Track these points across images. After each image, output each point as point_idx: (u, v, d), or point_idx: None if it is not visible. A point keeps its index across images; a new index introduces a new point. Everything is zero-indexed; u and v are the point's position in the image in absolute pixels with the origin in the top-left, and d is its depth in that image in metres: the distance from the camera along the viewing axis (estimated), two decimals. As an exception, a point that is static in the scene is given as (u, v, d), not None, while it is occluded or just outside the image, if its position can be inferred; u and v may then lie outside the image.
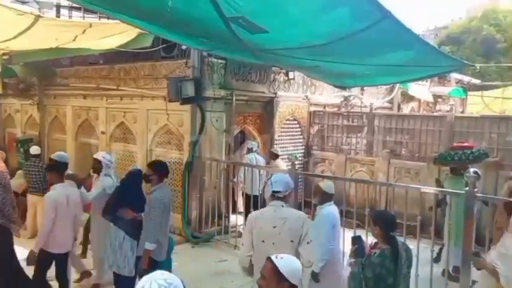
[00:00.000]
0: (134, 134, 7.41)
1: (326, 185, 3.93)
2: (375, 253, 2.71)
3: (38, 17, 4.15)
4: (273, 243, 2.82)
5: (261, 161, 6.95)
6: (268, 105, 7.62)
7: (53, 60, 8.03)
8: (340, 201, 5.12)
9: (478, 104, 13.23)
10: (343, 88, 8.38)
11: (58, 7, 7.72)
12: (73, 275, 4.59)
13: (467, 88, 13.54)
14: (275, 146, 7.52)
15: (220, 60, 6.61)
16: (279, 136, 7.91)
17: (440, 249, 5.47)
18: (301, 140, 8.55)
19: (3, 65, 6.96)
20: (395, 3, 3.00)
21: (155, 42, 5.99)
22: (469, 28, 25.58)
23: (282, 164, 7.16)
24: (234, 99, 6.78)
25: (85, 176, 5.15)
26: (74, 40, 4.89)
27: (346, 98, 9.37)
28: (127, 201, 3.93)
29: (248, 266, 2.94)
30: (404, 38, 3.21)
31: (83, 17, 7.36)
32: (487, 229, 4.10)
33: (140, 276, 3.71)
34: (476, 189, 3.92)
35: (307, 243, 2.84)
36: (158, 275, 1.46)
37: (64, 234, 3.96)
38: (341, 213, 4.99)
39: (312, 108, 8.65)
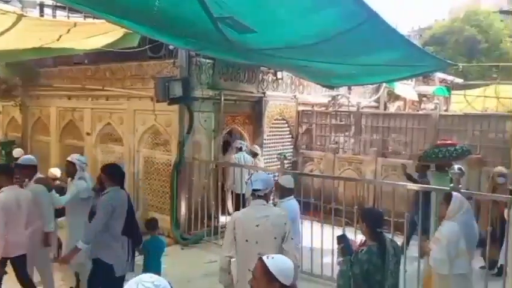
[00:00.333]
0: (120, 135, 7.33)
1: (285, 180, 3.95)
2: (362, 250, 2.73)
3: (20, 16, 4.08)
4: (257, 242, 2.83)
5: (249, 160, 6.96)
6: (257, 105, 7.64)
7: (36, 60, 7.88)
8: (330, 199, 5.19)
9: (461, 103, 13.52)
10: (330, 88, 8.45)
11: (42, 6, 7.57)
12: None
13: (450, 87, 13.82)
14: (255, 145, 7.46)
15: (208, 60, 6.59)
16: (268, 136, 7.93)
17: None
18: (290, 140, 8.59)
19: (-16, 66, 6.80)
20: (381, 4, 3.05)
21: (142, 42, 5.93)
22: (451, 29, 26.10)
23: (260, 162, 7.14)
24: (222, 99, 6.76)
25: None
26: (58, 40, 4.81)
27: (334, 98, 9.46)
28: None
29: (226, 267, 2.94)
30: (390, 38, 3.26)
31: (68, 17, 7.23)
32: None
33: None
34: (460, 185, 4.02)
35: (291, 239, 2.90)
36: (146, 277, 1.43)
37: (17, 237, 3.88)
38: (330, 211, 5.07)
39: (301, 108, 8.70)
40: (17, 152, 6.27)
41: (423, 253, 3.61)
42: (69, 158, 4.48)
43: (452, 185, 4.02)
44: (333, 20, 2.89)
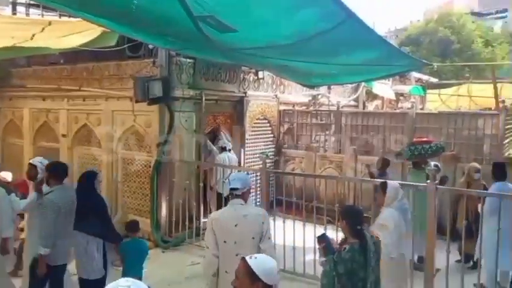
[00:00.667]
0: (98, 136, 7.16)
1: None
2: (345, 248, 2.75)
3: (-9, 14, 3.92)
4: (235, 242, 2.82)
5: (234, 159, 6.94)
6: (239, 105, 7.62)
7: (8, 60, 7.60)
8: (311, 197, 5.24)
9: (436, 101, 13.95)
10: (311, 87, 8.57)
11: (14, 4, 7.33)
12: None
13: (426, 86, 14.23)
14: (222, 140, 7.12)
15: (188, 60, 6.53)
16: (250, 135, 7.93)
17: None
18: (272, 139, 8.62)
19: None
20: (358, 5, 3.10)
21: (121, 41, 5.80)
22: (426, 30, 26.87)
23: (225, 157, 6.84)
24: (203, 99, 6.71)
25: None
26: (31, 39, 4.65)
27: (314, 97, 9.56)
28: (87, 205, 3.87)
29: (214, 267, 2.85)
30: (368, 38, 3.33)
31: (42, 15, 7.02)
32: (447, 219, 4.34)
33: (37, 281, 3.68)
34: (436, 182, 4.14)
35: (269, 238, 2.91)
36: (122, 281, 1.41)
37: None
38: (312, 209, 5.12)
39: (282, 107, 8.75)
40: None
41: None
42: (31, 161, 4.32)
43: (429, 181, 4.12)
44: (313, 19, 2.92)
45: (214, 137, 7.31)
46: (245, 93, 7.67)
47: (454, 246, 4.63)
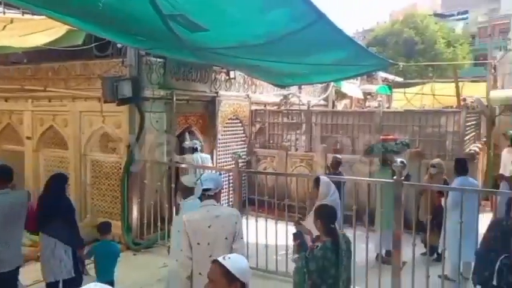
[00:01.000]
0: (65, 138, 6.92)
1: (187, 180, 3.85)
2: (317, 246, 2.81)
3: None
4: (208, 244, 2.80)
5: (208, 159, 6.90)
6: (210, 105, 7.59)
7: (-34, 58, 7.19)
8: (283, 196, 5.30)
9: (401, 100, 14.48)
10: (282, 87, 8.66)
11: (-29, 0, 6.91)
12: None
13: (391, 86, 14.75)
14: (190, 140, 6.99)
15: (159, 59, 6.43)
16: (222, 135, 7.91)
17: None
18: (244, 139, 8.65)
19: None
20: (326, 6, 3.18)
21: (87, 39, 5.64)
22: (392, 31, 27.84)
23: (197, 157, 6.71)
24: (174, 99, 6.63)
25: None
26: (-9, 37, 4.45)
27: (285, 97, 9.67)
28: (56, 208, 3.79)
29: (188, 269, 2.82)
30: (337, 39, 3.42)
31: (4, 12, 6.69)
32: (412, 213, 4.54)
33: None
34: (402, 178, 4.30)
35: (241, 238, 2.92)
36: (91, 286, 1.40)
37: None
38: (283, 207, 5.18)
39: (254, 107, 8.79)
40: None
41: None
42: None
43: (395, 177, 4.28)
44: (283, 20, 2.97)
45: (185, 137, 7.23)
46: (217, 93, 7.66)
47: (419, 238, 4.81)
